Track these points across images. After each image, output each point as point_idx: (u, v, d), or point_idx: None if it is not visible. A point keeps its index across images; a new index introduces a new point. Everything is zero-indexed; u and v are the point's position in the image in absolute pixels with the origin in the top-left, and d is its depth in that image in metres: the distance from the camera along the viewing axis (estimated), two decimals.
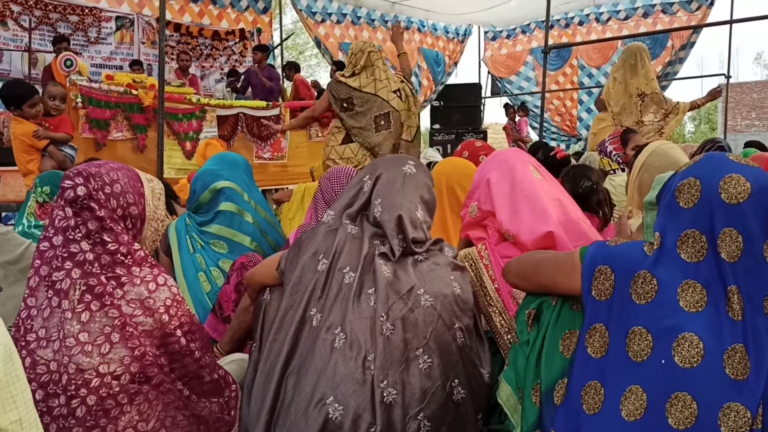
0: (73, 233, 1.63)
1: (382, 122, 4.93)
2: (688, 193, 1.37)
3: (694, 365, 1.30)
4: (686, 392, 1.29)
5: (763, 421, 1.26)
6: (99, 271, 1.62)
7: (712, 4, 11.39)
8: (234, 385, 1.90)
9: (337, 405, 1.61)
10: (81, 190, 1.65)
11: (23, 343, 1.59)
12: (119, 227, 1.70)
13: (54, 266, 1.62)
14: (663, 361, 1.32)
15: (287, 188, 5.97)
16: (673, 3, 11.73)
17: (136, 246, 1.73)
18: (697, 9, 11.49)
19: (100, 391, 1.57)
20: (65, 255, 1.62)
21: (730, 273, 1.32)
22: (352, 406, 1.61)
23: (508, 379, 1.67)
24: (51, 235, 1.65)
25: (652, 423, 1.31)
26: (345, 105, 4.92)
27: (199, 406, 1.78)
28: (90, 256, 1.63)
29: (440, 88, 12.85)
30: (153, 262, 1.74)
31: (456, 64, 14.04)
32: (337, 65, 10.40)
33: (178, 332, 1.69)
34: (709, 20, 11.26)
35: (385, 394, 1.62)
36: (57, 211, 1.67)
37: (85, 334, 1.57)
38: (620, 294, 1.42)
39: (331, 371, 1.64)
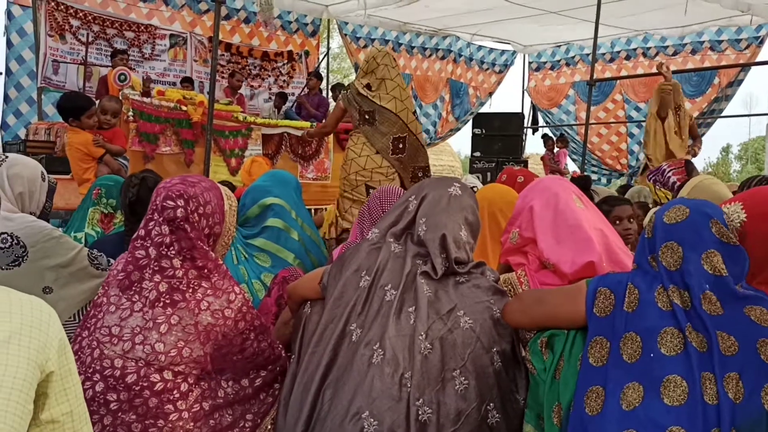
0: (167, 249, 1.79)
1: (400, 145, 4.71)
2: (648, 227, 1.65)
3: (678, 352, 1.48)
4: (676, 374, 1.46)
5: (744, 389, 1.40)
6: (185, 288, 1.77)
7: (762, 42, 11.22)
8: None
9: (372, 420, 1.63)
10: (180, 213, 1.80)
11: (94, 335, 1.74)
12: (205, 246, 1.85)
13: (146, 276, 1.77)
14: (652, 355, 1.50)
15: (324, 209, 5.99)
16: (722, 41, 11.60)
17: (219, 261, 1.88)
18: (746, 48, 11.35)
19: (162, 396, 1.69)
20: (157, 268, 1.78)
21: (667, 277, 1.55)
22: (387, 421, 1.63)
23: (529, 419, 1.72)
24: (147, 245, 1.80)
25: (649, 405, 1.46)
26: (367, 117, 4.68)
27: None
28: (179, 273, 1.78)
29: (464, 121, 12.95)
30: (228, 273, 1.89)
31: (491, 94, 14.14)
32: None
33: (252, 335, 1.87)
34: (758, 59, 11.10)
35: (420, 413, 1.64)
36: (153, 226, 1.81)
37: (160, 344, 1.71)
38: (618, 310, 1.60)
39: (368, 386, 1.67)
